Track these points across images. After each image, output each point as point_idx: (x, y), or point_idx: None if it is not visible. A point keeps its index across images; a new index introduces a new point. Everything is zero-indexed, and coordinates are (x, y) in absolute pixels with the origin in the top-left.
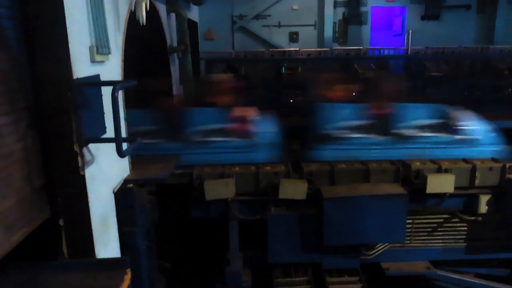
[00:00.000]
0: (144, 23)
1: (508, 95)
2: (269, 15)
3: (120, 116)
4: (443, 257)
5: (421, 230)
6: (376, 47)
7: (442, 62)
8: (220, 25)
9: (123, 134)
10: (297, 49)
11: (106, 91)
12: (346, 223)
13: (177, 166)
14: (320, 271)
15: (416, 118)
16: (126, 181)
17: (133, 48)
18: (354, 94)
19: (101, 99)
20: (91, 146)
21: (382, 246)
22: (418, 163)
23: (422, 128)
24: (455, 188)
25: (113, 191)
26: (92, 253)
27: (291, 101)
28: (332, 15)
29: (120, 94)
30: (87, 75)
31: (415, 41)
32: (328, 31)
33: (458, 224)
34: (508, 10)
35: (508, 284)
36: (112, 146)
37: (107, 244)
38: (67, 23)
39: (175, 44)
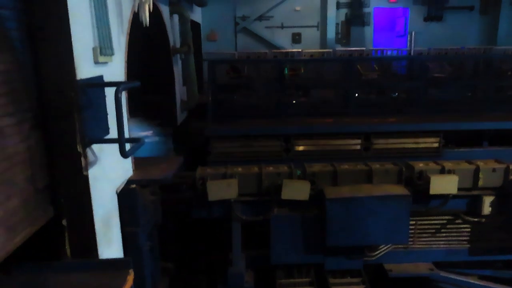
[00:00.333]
0: (147, 24)
1: (511, 96)
2: (272, 16)
3: (123, 117)
4: (446, 259)
5: (424, 231)
6: (378, 48)
7: (445, 63)
8: (223, 26)
9: (126, 134)
10: (300, 50)
11: (110, 92)
12: (349, 224)
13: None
14: (322, 272)
15: None
16: (129, 182)
17: (136, 49)
18: None
19: (105, 100)
20: (94, 146)
21: (385, 248)
22: (421, 164)
23: None
24: (459, 189)
25: (116, 191)
26: (95, 253)
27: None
28: (334, 16)
29: (124, 95)
30: (91, 76)
31: (418, 42)
32: (331, 32)
33: (462, 226)
34: (511, 11)
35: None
36: (115, 146)
37: (110, 244)
38: (70, 24)
39: (178, 45)
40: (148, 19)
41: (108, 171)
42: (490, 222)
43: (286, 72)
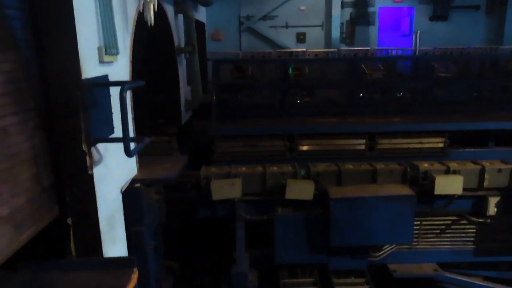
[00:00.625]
0: (152, 24)
1: None
2: (276, 16)
3: (128, 116)
4: (451, 259)
5: (429, 231)
6: (383, 48)
7: (451, 62)
8: (228, 26)
9: (131, 134)
10: (304, 49)
11: (114, 91)
12: (353, 224)
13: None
14: (326, 272)
15: None
16: (133, 181)
17: (141, 49)
18: None
19: (109, 99)
20: (99, 145)
21: (390, 248)
22: (426, 164)
23: None
24: (464, 189)
25: (121, 190)
26: (99, 252)
27: None
28: (339, 15)
29: (128, 95)
30: (96, 76)
31: (423, 42)
32: (336, 32)
33: (467, 226)
34: None
35: None
36: (120, 146)
37: (114, 243)
38: (76, 23)
39: (182, 45)
40: (153, 18)
41: (112, 170)
42: (496, 223)
43: (291, 71)
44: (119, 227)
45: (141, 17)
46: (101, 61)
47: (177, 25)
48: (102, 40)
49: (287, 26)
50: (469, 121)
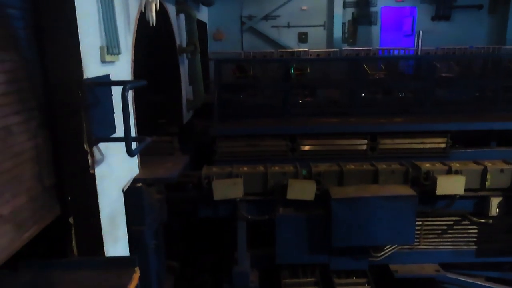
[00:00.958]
0: (154, 24)
1: None
2: (278, 16)
3: (130, 115)
4: (453, 260)
5: (431, 232)
6: (386, 48)
7: (453, 62)
8: (229, 26)
9: (133, 133)
10: (306, 49)
11: (116, 91)
12: (354, 224)
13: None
14: (328, 272)
15: None
16: (135, 180)
17: (143, 48)
18: None
19: (111, 99)
20: (101, 145)
21: (391, 248)
22: (428, 165)
23: None
24: (466, 190)
25: (123, 190)
26: (101, 251)
27: None
28: (341, 15)
29: (130, 94)
30: (98, 75)
31: (425, 42)
32: (338, 32)
33: (469, 227)
34: None
35: None
36: (122, 145)
37: (116, 242)
38: (78, 23)
39: (184, 45)
40: (154, 18)
41: (114, 170)
42: (498, 223)
43: (292, 71)
44: (121, 226)
45: (143, 17)
46: (103, 61)
47: (179, 24)
48: (104, 40)
49: (289, 26)
50: (471, 121)
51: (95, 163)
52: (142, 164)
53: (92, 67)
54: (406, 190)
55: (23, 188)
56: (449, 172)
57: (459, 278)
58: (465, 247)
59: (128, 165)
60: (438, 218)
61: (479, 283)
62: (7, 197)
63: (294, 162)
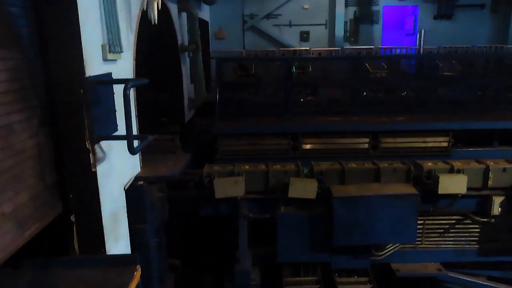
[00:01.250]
0: (156, 22)
1: None
2: (280, 15)
3: (132, 113)
4: (454, 259)
5: (433, 231)
6: (387, 47)
7: (455, 61)
8: (231, 24)
9: (134, 131)
10: (308, 48)
11: (118, 89)
12: (356, 223)
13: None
14: (329, 271)
15: None
16: (137, 179)
17: (144, 47)
18: None
19: (113, 97)
20: (103, 143)
21: (393, 247)
22: (430, 163)
23: None
24: (468, 189)
25: (124, 188)
26: (102, 249)
27: None
28: (343, 14)
29: (132, 92)
30: (100, 73)
31: (427, 41)
32: (339, 30)
33: (471, 226)
34: None
35: None
36: (124, 143)
37: (117, 240)
38: (80, 21)
39: (186, 43)
40: (156, 17)
41: (116, 168)
42: (500, 222)
43: (294, 70)
44: (122, 224)
45: (145, 15)
46: (105, 59)
47: (180, 23)
48: (106, 38)
49: (290, 25)
50: (474, 120)
51: (96, 161)
52: (144, 162)
53: (94, 65)
54: (408, 189)
55: (24, 186)
56: (451, 171)
57: (461, 277)
58: (467, 246)
59: (129, 163)
60: (440, 217)
61: (481, 282)
62: (9, 195)
63: (296, 160)
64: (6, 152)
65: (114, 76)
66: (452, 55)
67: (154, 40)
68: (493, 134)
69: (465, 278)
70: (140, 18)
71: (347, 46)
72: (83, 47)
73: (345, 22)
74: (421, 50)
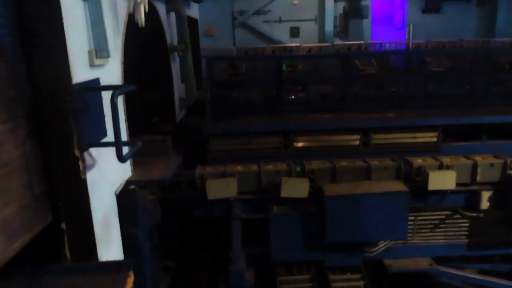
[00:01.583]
0: (143, 25)
1: (509, 89)
2: (270, 11)
3: (120, 120)
4: (445, 254)
5: (423, 226)
6: (377, 42)
7: (443, 57)
8: (221, 22)
9: (124, 137)
10: (298, 44)
11: (106, 94)
12: (348, 220)
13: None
14: (322, 269)
15: None
16: (128, 183)
17: (133, 48)
18: None
19: (101, 102)
20: (92, 149)
21: (385, 243)
22: (419, 160)
23: None
24: (457, 184)
25: (115, 193)
26: (94, 255)
27: None
28: (332, 9)
29: (120, 98)
30: (87, 79)
31: (416, 35)
32: (329, 26)
33: (460, 221)
34: (509, 3)
35: (510, 279)
36: (114, 148)
37: (109, 245)
38: (65, 28)
39: (175, 43)
40: (143, 20)
41: (106, 173)
42: (488, 216)
43: (284, 68)
44: (114, 229)
45: (132, 18)
46: (92, 65)
47: (169, 23)
48: (92, 44)
49: (280, 21)
50: (462, 115)
51: (86, 168)
52: (135, 165)
53: (80, 72)
54: (398, 186)
55: (13, 197)
56: (441, 167)
57: (451, 271)
58: (457, 240)
59: (120, 168)
60: (430, 213)
61: (471, 275)
62: None
63: (288, 159)
64: None
65: (102, 81)
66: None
67: (143, 41)
68: (481, 128)
69: (456, 272)
70: (128, 20)
71: (338, 41)
72: (69, 54)
73: (335, 17)
74: (410, 44)
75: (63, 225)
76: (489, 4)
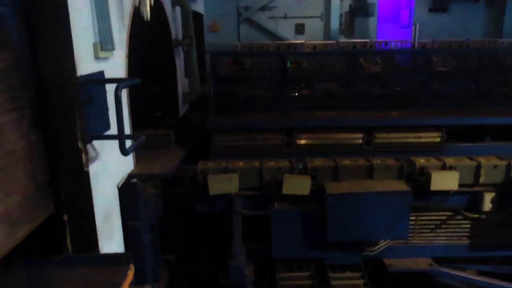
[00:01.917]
0: (148, 19)
1: None
2: (275, 7)
3: (124, 114)
4: (446, 254)
5: (425, 227)
6: (382, 40)
7: (449, 56)
8: (226, 17)
9: (127, 131)
10: (303, 41)
11: (110, 87)
12: (349, 219)
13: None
14: (322, 266)
15: None
16: (130, 176)
17: (138, 42)
18: None
19: (105, 95)
20: (95, 142)
21: (385, 243)
22: (422, 160)
23: None
24: (459, 185)
25: (117, 186)
26: (96, 247)
27: None
28: (338, 6)
29: (124, 91)
30: (91, 72)
31: (422, 34)
32: (335, 23)
33: (462, 222)
34: None
35: (511, 281)
36: (117, 141)
37: (111, 238)
38: (70, 20)
39: (180, 37)
40: (149, 13)
41: (109, 166)
42: (490, 218)
43: (289, 64)
44: (116, 222)
45: (137, 11)
46: (97, 57)
47: (174, 17)
48: (97, 36)
49: (286, 17)
50: (466, 116)
51: (89, 160)
52: (137, 159)
53: (85, 64)
54: (400, 186)
55: (16, 187)
56: (444, 168)
57: (451, 272)
58: (458, 241)
59: (123, 161)
60: (432, 213)
61: (471, 276)
62: (0, 196)
63: (290, 157)
64: None
65: (107, 74)
66: (445, 50)
67: (147, 35)
68: (485, 129)
69: (456, 273)
70: (133, 14)
71: (343, 39)
72: (74, 46)
73: (341, 15)
74: (416, 43)
75: (65, 217)
76: (497, 4)
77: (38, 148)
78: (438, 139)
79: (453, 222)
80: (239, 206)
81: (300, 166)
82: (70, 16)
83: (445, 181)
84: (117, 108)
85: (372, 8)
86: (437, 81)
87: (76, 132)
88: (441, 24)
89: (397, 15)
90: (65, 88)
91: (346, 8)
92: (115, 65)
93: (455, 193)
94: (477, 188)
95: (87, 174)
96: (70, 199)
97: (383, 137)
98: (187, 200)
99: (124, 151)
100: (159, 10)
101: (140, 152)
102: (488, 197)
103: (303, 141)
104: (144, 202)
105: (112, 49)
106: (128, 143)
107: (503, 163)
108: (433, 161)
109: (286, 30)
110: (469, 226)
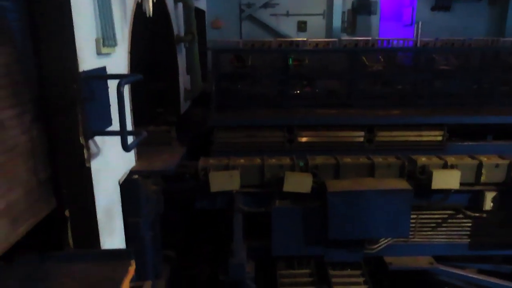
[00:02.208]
0: (151, 15)
1: None
2: (278, 4)
3: (126, 110)
4: (446, 253)
5: (425, 225)
6: (385, 38)
7: (451, 55)
8: (228, 14)
9: (129, 127)
10: (305, 39)
11: (113, 83)
12: (350, 217)
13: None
14: (323, 264)
15: None
16: (131, 173)
17: (140, 38)
18: None
19: (107, 91)
20: (97, 138)
21: (386, 241)
22: (424, 159)
23: None
24: (461, 184)
25: (119, 182)
26: (97, 243)
27: None
28: (341, 4)
29: (126, 87)
30: (93, 67)
31: (425, 32)
32: (337, 21)
33: (463, 220)
34: None
35: (511, 280)
36: (118, 137)
37: (112, 234)
38: (73, 15)
39: (182, 34)
40: (151, 9)
41: (110, 162)
42: (491, 217)
43: (291, 62)
44: (117, 218)
45: (140, 7)
46: (99, 53)
47: (176, 14)
48: (100, 32)
49: (288, 14)
50: (468, 115)
51: (91, 156)
52: (139, 155)
53: (87, 60)
54: (401, 184)
55: (18, 182)
56: (445, 166)
57: (452, 270)
58: (458, 240)
59: (124, 157)
60: (433, 212)
61: (471, 275)
62: (2, 191)
63: (291, 154)
64: None
65: (109, 70)
66: (447, 49)
67: (150, 31)
68: (487, 128)
69: (456, 272)
70: (135, 10)
71: (345, 36)
72: (76, 41)
73: (343, 13)
74: (418, 42)
75: (66, 213)
76: (500, 3)
77: (40, 143)
78: (439, 138)
79: (454, 220)
80: (240, 203)
81: (301, 164)
82: (73, 11)
83: (447, 179)
84: (119, 104)
85: (375, 6)
86: (439, 79)
87: (78, 127)
88: (444, 23)
89: (399, 13)
90: (67, 84)
91: (348, 5)
92: (117, 61)
93: (456, 191)
94: (478, 187)
95: (88, 170)
96: (71, 194)
97: (384, 135)
98: (188, 197)
99: (125, 147)
100: (162, 6)
101: (142, 148)
102: (489, 196)
103: (304, 139)
104: (145, 198)
105: (114, 45)
106: (130, 139)
107: (505, 162)
108: (434, 159)
109: (288, 28)
110: (469, 225)
